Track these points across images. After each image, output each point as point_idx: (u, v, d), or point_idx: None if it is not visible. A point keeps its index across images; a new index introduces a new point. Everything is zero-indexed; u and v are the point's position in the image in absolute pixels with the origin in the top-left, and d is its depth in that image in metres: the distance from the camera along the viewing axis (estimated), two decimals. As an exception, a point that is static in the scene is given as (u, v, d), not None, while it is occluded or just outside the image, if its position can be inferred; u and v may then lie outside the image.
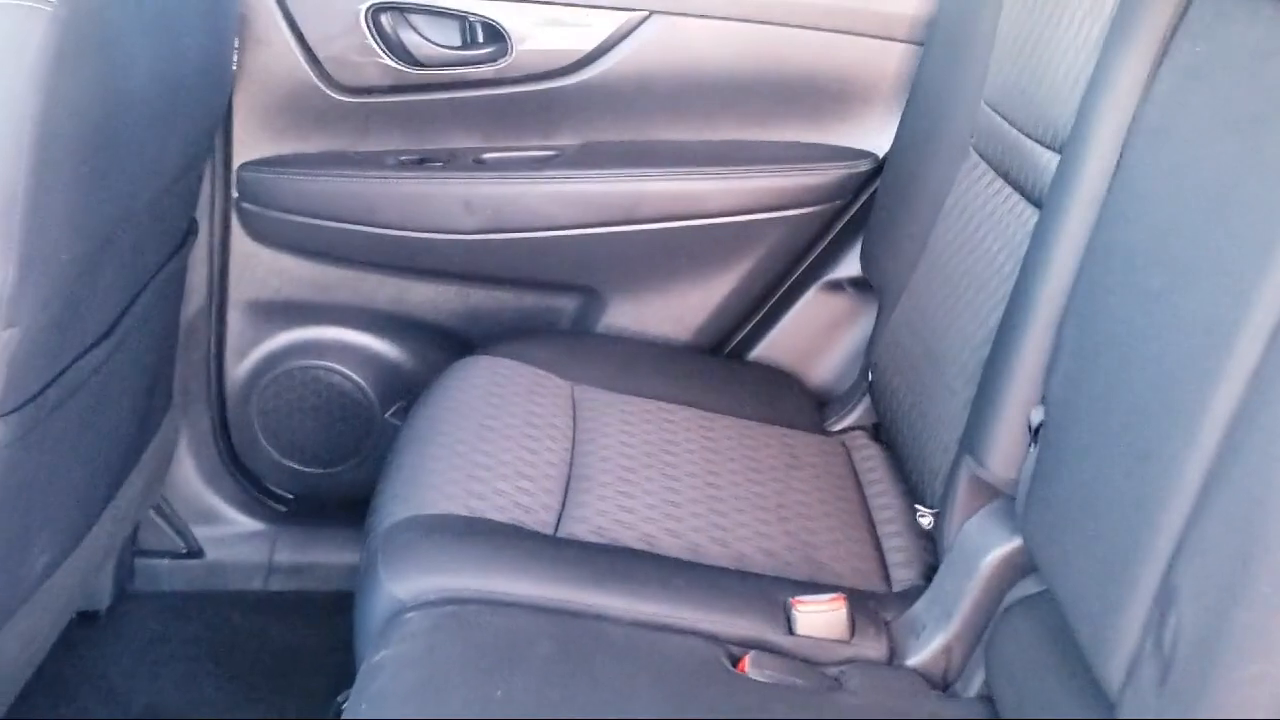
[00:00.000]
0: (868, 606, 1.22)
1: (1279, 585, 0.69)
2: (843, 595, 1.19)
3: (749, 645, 1.13)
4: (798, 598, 1.19)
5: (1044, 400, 1.06)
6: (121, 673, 1.67)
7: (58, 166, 1.03)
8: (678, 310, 1.78)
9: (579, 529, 1.26)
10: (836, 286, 1.77)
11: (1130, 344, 0.90)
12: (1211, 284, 0.82)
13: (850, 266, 1.75)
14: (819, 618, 1.17)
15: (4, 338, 1.03)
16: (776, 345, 1.80)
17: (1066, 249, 1.06)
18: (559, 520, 1.27)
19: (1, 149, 0.98)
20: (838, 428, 1.63)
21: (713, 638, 1.13)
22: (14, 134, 0.98)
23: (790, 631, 1.16)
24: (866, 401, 1.62)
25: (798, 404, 1.69)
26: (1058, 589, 0.96)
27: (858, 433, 1.62)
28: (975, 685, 1.13)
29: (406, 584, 1.13)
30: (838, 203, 1.71)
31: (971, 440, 1.18)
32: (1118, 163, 1.01)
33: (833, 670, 1.13)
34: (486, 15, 1.66)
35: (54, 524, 1.31)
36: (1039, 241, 1.12)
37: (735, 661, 1.11)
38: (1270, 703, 0.69)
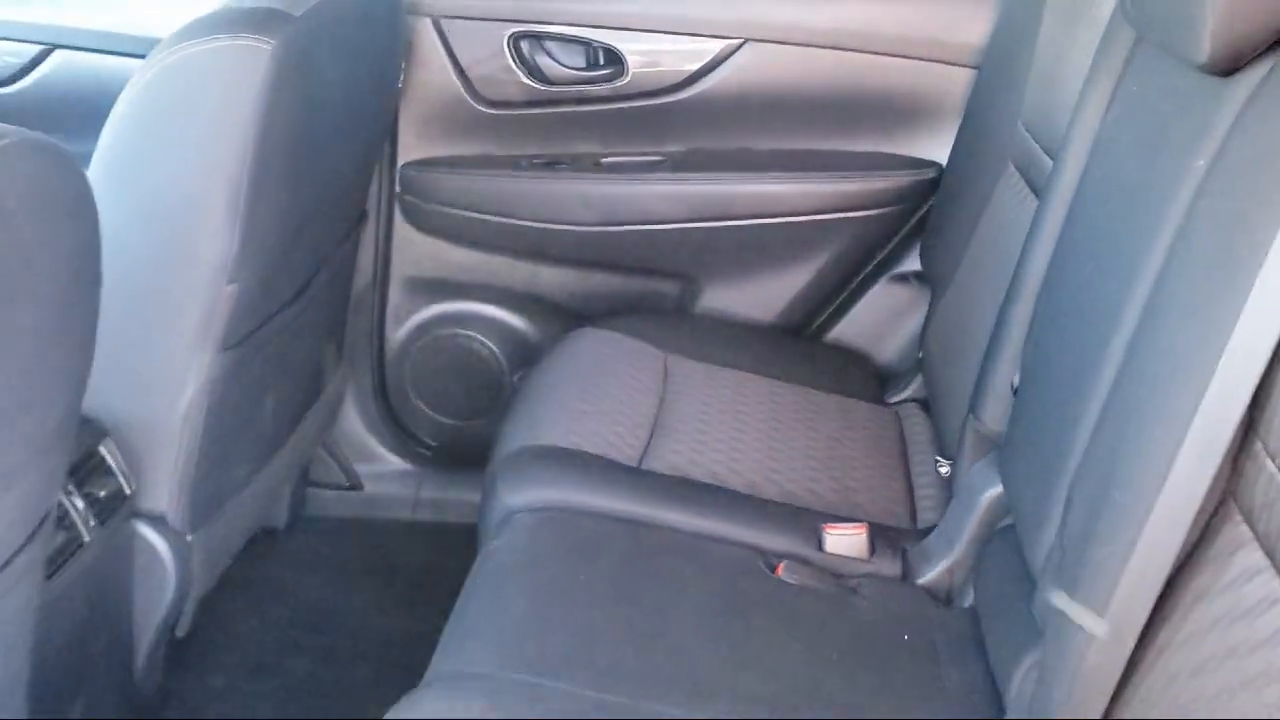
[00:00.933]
0: (889, 536, 1.49)
1: (1131, 493, 0.94)
2: (865, 525, 1.46)
3: (785, 557, 1.41)
4: (829, 524, 1.46)
5: (1020, 364, 1.32)
6: (293, 578, 2.04)
7: (270, 167, 1.37)
8: (764, 296, 2.06)
9: (657, 464, 1.56)
10: (902, 279, 2.02)
11: (1069, 317, 1.16)
12: (1118, 272, 1.07)
13: (914, 262, 2.00)
14: (844, 540, 1.45)
15: (228, 291, 1.39)
16: (849, 328, 2.06)
17: (1046, 241, 1.32)
18: (642, 456, 1.57)
19: (232, 154, 1.34)
20: (894, 400, 1.89)
21: (756, 549, 1.41)
22: (240, 143, 1.33)
23: (820, 549, 1.44)
24: (920, 378, 1.87)
25: (862, 380, 1.95)
26: (1013, 509, 1.21)
27: (911, 404, 1.87)
28: (969, 599, 1.39)
29: (517, 495, 1.45)
30: (904, 205, 1.97)
31: (974, 402, 1.43)
32: (1081, 173, 1.26)
33: (852, 582, 1.40)
34: (607, 42, 1.98)
35: (250, 443, 1.67)
36: (1031, 235, 1.37)
37: (773, 568, 1.39)
38: (1115, 577, 0.93)
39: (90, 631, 1.40)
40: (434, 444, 2.22)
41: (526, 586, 1.29)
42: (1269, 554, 0.82)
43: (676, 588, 1.32)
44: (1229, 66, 0.95)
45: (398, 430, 2.20)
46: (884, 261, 2.03)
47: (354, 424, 2.17)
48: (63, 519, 1.28)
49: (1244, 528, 0.86)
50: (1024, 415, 1.25)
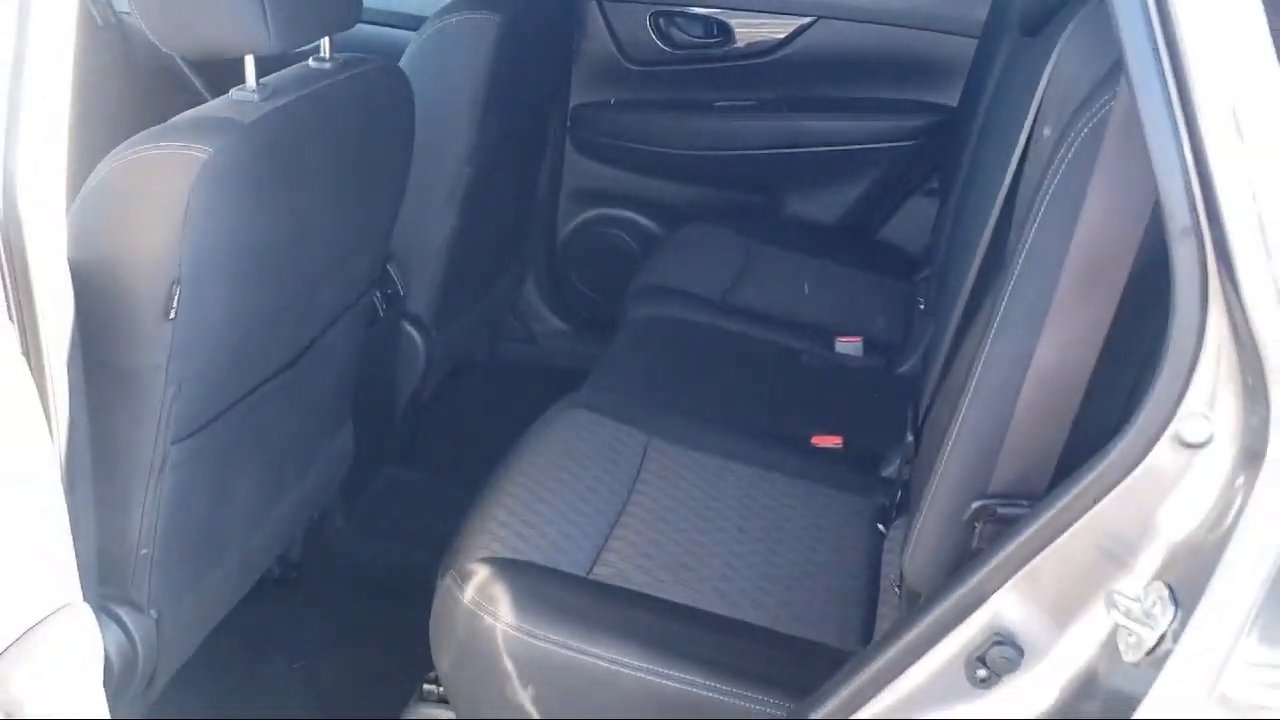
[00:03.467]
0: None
1: (962, 430, 1.25)
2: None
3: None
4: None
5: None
6: (488, 398, 2.88)
7: (493, 108, 2.19)
8: (828, 204, 2.82)
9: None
10: (929, 193, 2.75)
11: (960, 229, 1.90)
12: (983, 202, 1.78)
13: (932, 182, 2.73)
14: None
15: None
16: (890, 230, 2.80)
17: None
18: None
19: (465, 115, 2.15)
20: (919, 277, 2.58)
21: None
22: (470, 103, 2.15)
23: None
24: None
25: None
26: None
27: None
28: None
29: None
30: (926, 138, 2.69)
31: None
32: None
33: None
34: (720, 17, 2.77)
35: (472, 283, 2.46)
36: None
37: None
38: (932, 513, 1.33)
39: (372, 382, 2.24)
40: (584, 312, 3.04)
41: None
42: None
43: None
44: (1036, 26, 1.63)
45: (560, 300, 3.02)
46: (914, 180, 2.76)
47: (532, 296, 3.01)
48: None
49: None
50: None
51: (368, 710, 1.84)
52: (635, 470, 1.77)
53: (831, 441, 1.95)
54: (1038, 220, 1.15)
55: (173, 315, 1.33)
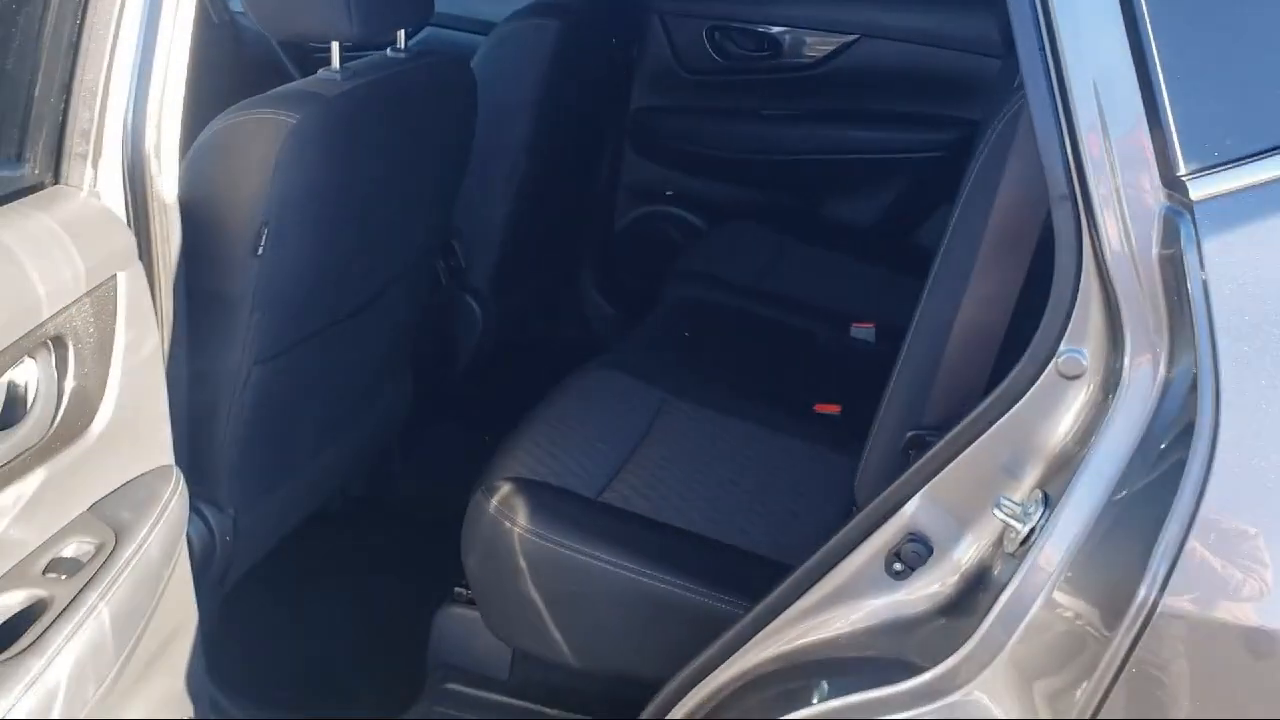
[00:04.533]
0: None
1: (901, 372, 1.84)
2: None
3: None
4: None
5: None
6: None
7: (550, 104, 2.46)
8: (863, 208, 3.04)
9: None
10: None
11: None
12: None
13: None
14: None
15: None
16: (923, 236, 3.01)
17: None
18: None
19: (524, 110, 2.44)
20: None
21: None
22: (529, 99, 2.43)
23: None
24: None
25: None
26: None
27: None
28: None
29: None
30: (953, 150, 2.90)
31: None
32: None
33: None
34: (770, 31, 3.02)
35: (536, 262, 2.75)
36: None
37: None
38: (877, 443, 1.84)
39: (434, 345, 2.53)
40: (633, 299, 3.29)
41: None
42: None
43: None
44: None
45: (613, 287, 3.28)
46: (942, 188, 2.96)
47: (586, 282, 3.27)
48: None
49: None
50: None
51: (408, 622, 2.11)
52: (650, 420, 2.02)
53: (831, 409, 2.17)
54: (964, 195, 1.38)
55: (260, 252, 1.59)
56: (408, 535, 2.40)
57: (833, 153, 3.02)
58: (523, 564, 1.69)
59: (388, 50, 1.91)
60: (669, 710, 1.50)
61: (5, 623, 1.07)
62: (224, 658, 1.78)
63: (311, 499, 2.08)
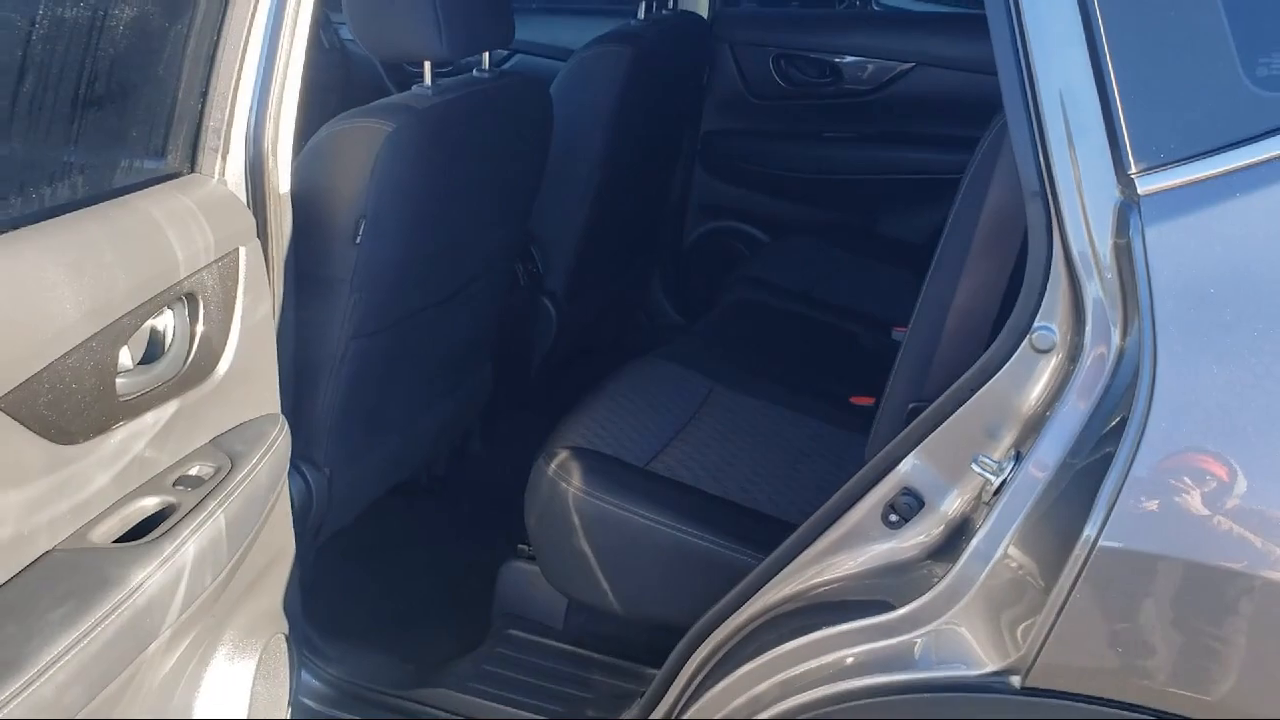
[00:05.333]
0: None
1: (906, 351, 2.08)
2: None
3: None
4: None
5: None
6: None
7: (622, 124, 2.70)
8: (918, 225, 3.22)
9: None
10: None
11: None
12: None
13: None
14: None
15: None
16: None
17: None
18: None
19: (598, 128, 2.67)
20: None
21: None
22: (602, 118, 2.67)
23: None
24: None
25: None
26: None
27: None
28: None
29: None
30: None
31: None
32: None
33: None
34: (830, 59, 3.23)
35: (607, 259, 2.98)
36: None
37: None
38: (885, 413, 2.07)
39: (513, 341, 2.77)
40: (700, 308, 3.51)
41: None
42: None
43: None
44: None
45: (681, 297, 3.51)
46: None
47: (656, 291, 3.50)
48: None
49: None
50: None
51: (477, 578, 2.33)
52: (698, 405, 2.23)
53: (866, 401, 2.36)
54: (961, 194, 1.58)
55: (358, 241, 1.82)
56: (480, 507, 2.65)
57: (888, 173, 3.22)
58: (576, 520, 1.91)
59: (474, 70, 2.17)
60: (696, 646, 1.71)
61: (143, 520, 1.33)
62: (318, 604, 2.03)
63: (399, 468, 2.30)
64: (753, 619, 1.65)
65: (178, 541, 1.29)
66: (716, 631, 1.69)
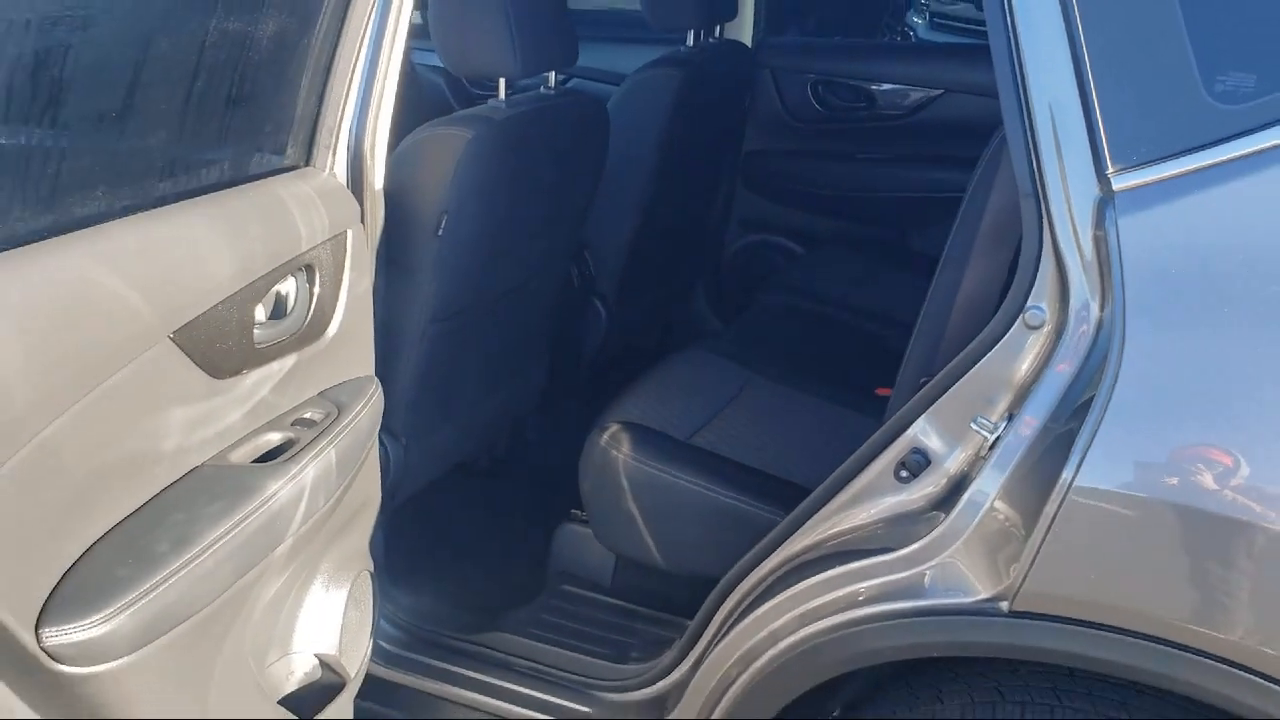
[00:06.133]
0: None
1: (920, 332, 2.31)
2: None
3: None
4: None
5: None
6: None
7: (672, 141, 2.95)
8: (944, 239, 3.42)
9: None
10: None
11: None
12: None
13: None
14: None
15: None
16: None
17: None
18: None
19: (650, 144, 2.93)
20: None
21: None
22: (654, 136, 2.92)
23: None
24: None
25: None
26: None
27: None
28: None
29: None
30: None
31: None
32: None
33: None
34: (865, 87, 3.47)
35: (657, 269, 3.22)
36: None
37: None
38: (900, 386, 2.30)
39: (567, 339, 3.01)
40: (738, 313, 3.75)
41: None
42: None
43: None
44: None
45: (722, 306, 3.75)
46: (1015, 224, 3.36)
47: (699, 301, 3.74)
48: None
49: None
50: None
51: (534, 541, 2.57)
52: (735, 392, 2.47)
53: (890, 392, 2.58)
54: (968, 195, 1.81)
55: (440, 233, 2.05)
56: (537, 483, 2.89)
57: (917, 191, 3.45)
58: (625, 484, 2.15)
59: (541, 88, 2.43)
60: (728, 594, 1.94)
61: (269, 451, 1.59)
62: (392, 558, 2.29)
63: (466, 444, 2.55)
64: (777, 569, 1.88)
65: (300, 465, 1.55)
66: (745, 580, 1.92)
